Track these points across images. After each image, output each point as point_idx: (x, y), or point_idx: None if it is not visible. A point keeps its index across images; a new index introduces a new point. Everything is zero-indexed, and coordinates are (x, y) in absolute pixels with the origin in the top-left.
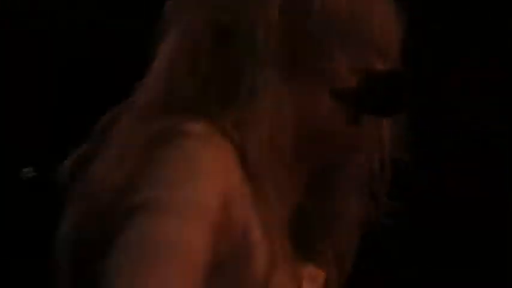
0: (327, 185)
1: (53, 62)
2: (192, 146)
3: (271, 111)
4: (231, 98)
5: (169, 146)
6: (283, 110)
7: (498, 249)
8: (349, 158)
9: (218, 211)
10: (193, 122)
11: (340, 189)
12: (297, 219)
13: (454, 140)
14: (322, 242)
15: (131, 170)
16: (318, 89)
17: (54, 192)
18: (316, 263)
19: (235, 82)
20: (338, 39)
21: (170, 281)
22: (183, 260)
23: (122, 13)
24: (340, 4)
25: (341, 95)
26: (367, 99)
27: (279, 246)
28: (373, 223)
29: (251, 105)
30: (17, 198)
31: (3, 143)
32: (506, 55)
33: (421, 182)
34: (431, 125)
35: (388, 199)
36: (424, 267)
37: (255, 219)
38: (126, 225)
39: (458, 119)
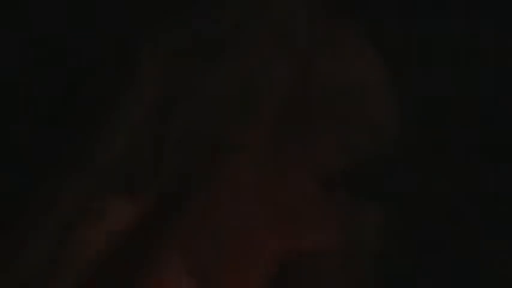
0: (299, 276)
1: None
2: None
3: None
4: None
5: None
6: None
7: (499, 250)
8: (326, 241)
9: None
10: None
11: (316, 279)
12: None
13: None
14: None
15: None
16: (296, 167)
17: None
18: None
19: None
20: (334, 113)
21: None
22: None
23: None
24: (341, 74)
25: (325, 178)
26: (355, 184)
27: None
28: None
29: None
30: None
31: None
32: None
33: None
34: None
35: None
36: (424, 267)
37: None
38: None
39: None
